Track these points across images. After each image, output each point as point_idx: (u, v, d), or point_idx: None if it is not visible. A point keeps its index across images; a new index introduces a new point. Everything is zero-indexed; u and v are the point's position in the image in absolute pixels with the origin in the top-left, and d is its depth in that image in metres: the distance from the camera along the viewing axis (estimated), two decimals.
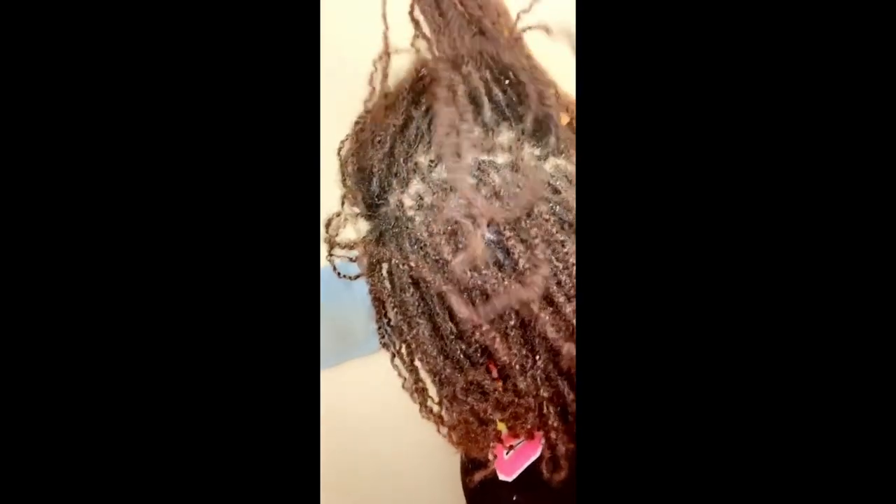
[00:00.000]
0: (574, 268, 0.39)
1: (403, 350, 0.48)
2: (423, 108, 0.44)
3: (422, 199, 0.41)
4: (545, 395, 0.42)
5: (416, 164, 0.42)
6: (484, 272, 0.39)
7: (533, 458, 0.55)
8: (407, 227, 0.41)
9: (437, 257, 0.40)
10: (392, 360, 0.49)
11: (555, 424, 0.42)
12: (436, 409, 0.48)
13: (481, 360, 0.43)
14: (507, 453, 0.56)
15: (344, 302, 0.75)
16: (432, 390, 0.48)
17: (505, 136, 0.42)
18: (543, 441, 0.46)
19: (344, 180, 0.47)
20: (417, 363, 0.48)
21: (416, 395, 0.49)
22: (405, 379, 0.49)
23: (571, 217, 0.40)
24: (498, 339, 0.39)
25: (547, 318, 0.38)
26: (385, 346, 0.49)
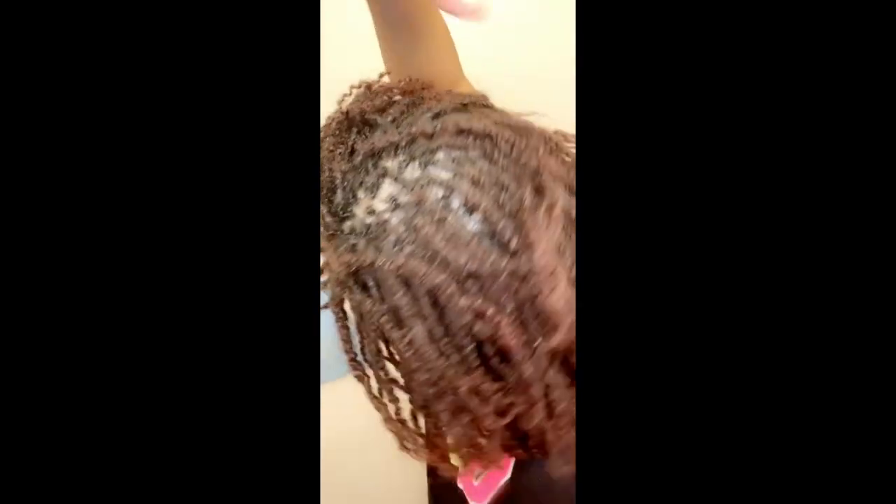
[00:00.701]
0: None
1: (380, 377, 0.46)
2: (389, 117, 0.44)
3: (396, 199, 0.40)
4: (550, 381, 0.42)
5: (384, 168, 0.42)
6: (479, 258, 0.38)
7: (503, 481, 0.54)
8: (384, 231, 0.40)
9: (426, 251, 0.39)
10: (367, 391, 0.46)
11: (560, 411, 0.42)
12: (420, 440, 0.46)
13: (477, 364, 0.41)
14: (475, 479, 0.54)
15: None
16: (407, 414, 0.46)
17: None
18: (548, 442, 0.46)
19: None
20: (399, 389, 0.45)
21: (396, 426, 0.46)
22: (385, 408, 0.46)
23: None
24: (503, 324, 0.39)
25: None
26: (359, 378, 0.46)
